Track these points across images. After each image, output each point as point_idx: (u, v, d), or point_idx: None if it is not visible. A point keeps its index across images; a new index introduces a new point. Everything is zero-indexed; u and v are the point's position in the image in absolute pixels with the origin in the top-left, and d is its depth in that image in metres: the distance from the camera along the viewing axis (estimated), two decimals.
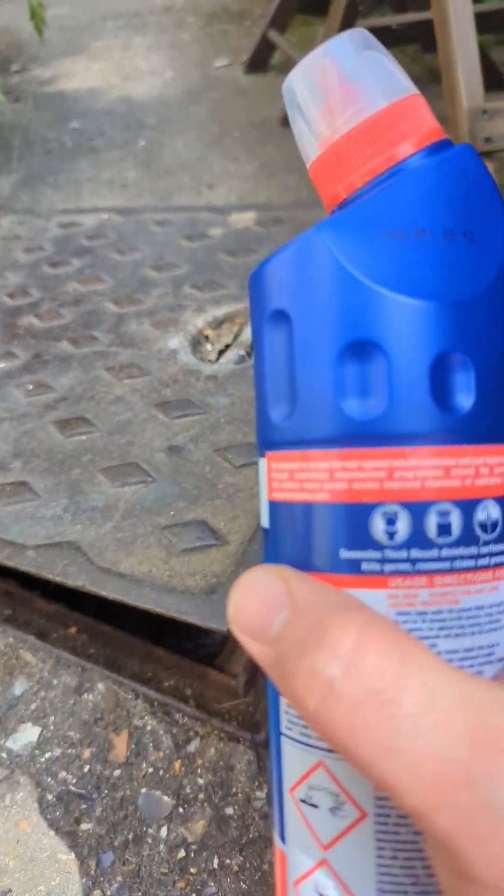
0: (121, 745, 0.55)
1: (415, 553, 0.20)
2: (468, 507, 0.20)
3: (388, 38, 1.53)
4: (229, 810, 0.50)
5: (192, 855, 0.49)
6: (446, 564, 0.20)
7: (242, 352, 0.73)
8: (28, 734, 0.56)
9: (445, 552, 0.20)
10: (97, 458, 0.62)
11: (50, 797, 0.53)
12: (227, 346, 0.76)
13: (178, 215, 1.10)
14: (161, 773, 0.53)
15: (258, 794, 0.51)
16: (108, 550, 0.52)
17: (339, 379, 0.21)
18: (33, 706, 0.58)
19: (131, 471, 0.60)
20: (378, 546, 0.20)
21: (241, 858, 0.48)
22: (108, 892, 0.48)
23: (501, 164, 1.20)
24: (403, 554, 0.20)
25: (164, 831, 0.50)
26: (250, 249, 0.92)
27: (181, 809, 0.51)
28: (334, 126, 0.22)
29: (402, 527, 0.20)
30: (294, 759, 0.21)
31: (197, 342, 0.78)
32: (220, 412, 0.64)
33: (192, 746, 0.54)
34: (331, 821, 0.20)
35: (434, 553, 0.20)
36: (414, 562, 0.20)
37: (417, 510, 0.20)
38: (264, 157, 1.51)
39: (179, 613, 0.46)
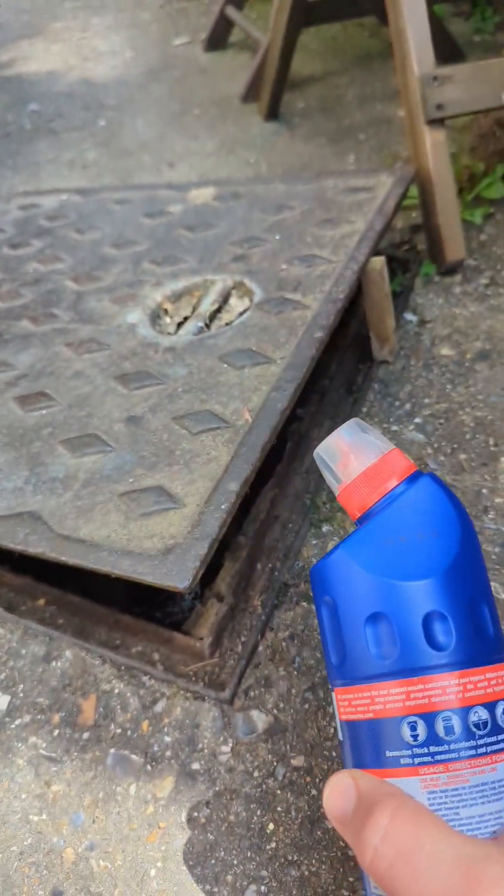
0: (89, 709, 0.56)
1: (433, 749, 0.31)
2: (463, 713, 0.31)
3: (349, 10, 1.53)
4: (196, 765, 0.52)
5: (161, 810, 0.50)
6: (455, 755, 0.30)
7: (201, 323, 0.73)
8: None
9: (453, 746, 0.30)
10: (57, 431, 0.63)
11: (21, 762, 0.54)
12: (186, 319, 0.77)
13: (138, 193, 1.10)
14: (129, 733, 0.54)
15: (223, 748, 0.52)
16: (68, 518, 0.53)
17: (367, 637, 0.33)
18: (2, 675, 0.59)
19: (91, 441, 0.60)
20: (408, 746, 0.31)
21: (208, 811, 0.49)
22: (80, 850, 0.49)
23: (454, 132, 1.21)
24: (425, 750, 0.31)
25: (133, 789, 0.51)
26: (209, 224, 0.92)
27: (149, 767, 0.52)
28: (347, 474, 0.37)
29: (421, 731, 0.31)
30: None
31: (156, 316, 0.78)
32: (178, 382, 0.64)
33: (159, 707, 0.55)
34: None
35: (445, 747, 0.30)
36: (433, 755, 0.30)
37: (429, 718, 0.31)
38: (224, 133, 1.51)
39: (136, 574, 0.47)
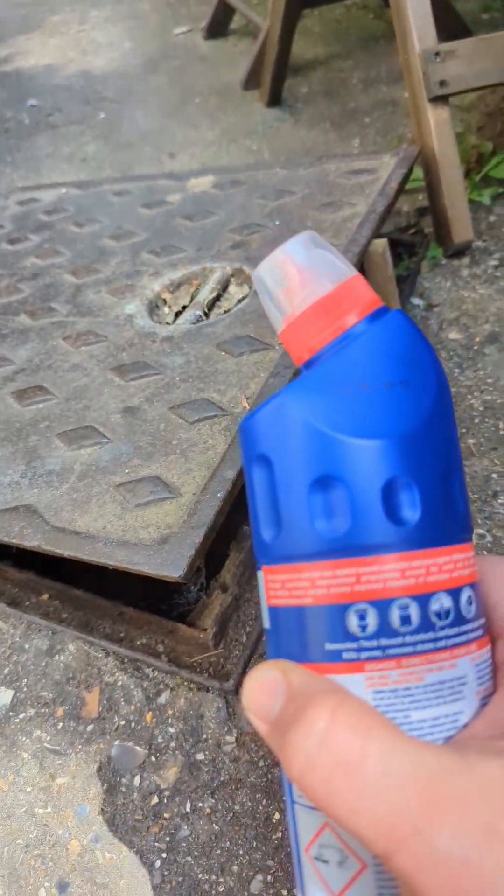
0: (93, 702, 0.55)
1: (384, 641, 0.25)
2: (423, 600, 0.26)
3: None
4: (200, 756, 0.51)
5: (166, 801, 0.50)
6: (410, 648, 0.25)
7: (199, 312, 0.72)
8: (2, 697, 0.57)
9: (409, 638, 0.25)
10: (54, 424, 0.62)
11: (26, 755, 0.54)
12: (185, 308, 0.76)
13: (137, 184, 1.09)
14: (133, 725, 0.54)
15: (228, 738, 0.52)
16: (64, 511, 0.53)
17: (311, 506, 0.27)
18: (6, 670, 0.59)
19: (87, 434, 0.59)
20: (354, 638, 0.26)
21: (213, 801, 0.49)
22: (85, 842, 0.49)
23: (457, 110, 1.18)
24: (374, 643, 0.25)
25: (137, 780, 0.51)
26: (208, 212, 0.91)
27: (153, 758, 0.52)
28: (294, 304, 0.29)
29: (372, 621, 0.26)
30: (306, 823, 0.26)
31: (154, 306, 0.77)
32: (176, 371, 0.64)
33: (163, 698, 0.55)
34: (339, 873, 0.24)
35: (399, 640, 0.25)
36: (384, 648, 0.25)
37: (382, 606, 0.26)
38: (225, 122, 1.49)
39: (132, 565, 0.46)
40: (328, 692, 0.22)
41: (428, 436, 0.27)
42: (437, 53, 0.87)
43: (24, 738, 0.54)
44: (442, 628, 0.26)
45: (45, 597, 0.65)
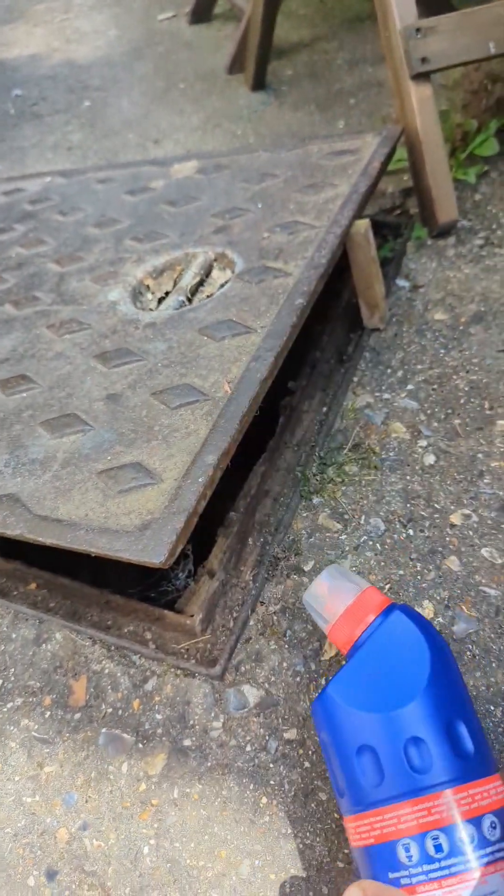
0: (80, 690, 0.55)
1: (426, 867, 0.33)
2: (450, 830, 0.34)
3: None
4: (187, 742, 0.51)
5: (153, 787, 0.49)
6: (446, 871, 0.33)
7: (182, 297, 0.71)
8: None
9: (444, 863, 0.33)
10: (37, 413, 0.62)
11: (13, 745, 0.53)
12: (168, 294, 0.75)
13: (121, 172, 1.08)
14: (120, 712, 0.53)
15: (215, 724, 0.51)
16: (47, 499, 0.52)
17: (358, 769, 0.37)
18: None
19: (70, 421, 0.59)
20: (404, 866, 0.34)
21: (201, 787, 0.49)
22: (73, 830, 0.49)
23: (445, 90, 1.16)
24: (419, 869, 0.34)
25: (125, 767, 0.51)
26: (191, 197, 0.90)
27: (141, 745, 0.51)
28: (332, 615, 0.44)
29: (414, 852, 0.34)
30: None
31: (137, 292, 0.76)
32: (158, 357, 0.63)
33: (150, 685, 0.55)
34: None
35: (437, 865, 0.33)
36: (427, 873, 0.33)
37: (420, 839, 0.34)
38: (210, 107, 1.47)
39: (113, 552, 0.45)
40: (391, 891, 0.31)
41: (431, 699, 0.37)
42: (417, 30, 0.86)
43: (11, 728, 0.54)
44: (471, 852, 0.33)
45: (33, 586, 0.65)
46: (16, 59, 1.99)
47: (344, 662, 0.44)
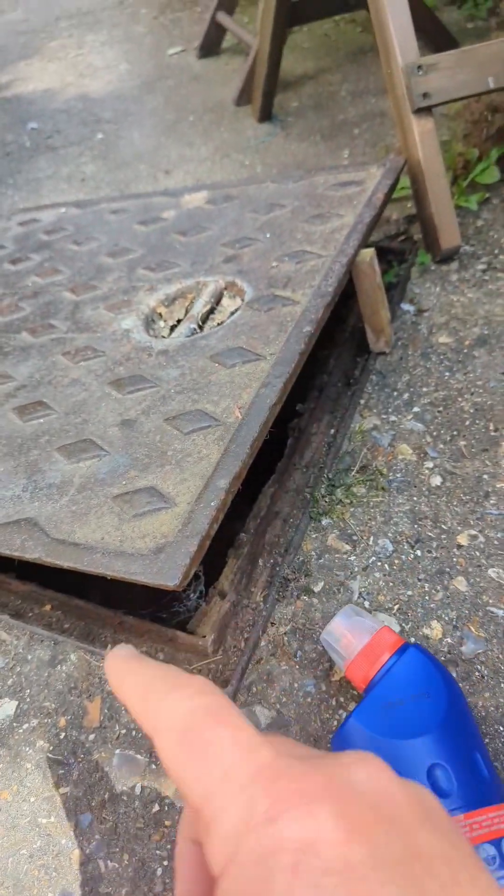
0: (94, 711, 0.56)
1: (498, 873, 0.36)
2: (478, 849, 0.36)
3: (333, 6, 1.53)
4: None
5: (167, 808, 0.50)
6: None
7: (193, 325, 0.73)
8: (6, 708, 0.58)
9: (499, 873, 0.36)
10: (54, 438, 0.64)
11: (29, 766, 0.54)
12: (179, 321, 0.77)
13: (133, 202, 1.11)
14: (133, 733, 0.54)
15: None
16: (64, 523, 0.54)
17: None
18: (10, 681, 0.60)
19: (86, 447, 0.61)
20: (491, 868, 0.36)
21: None
22: (88, 851, 0.49)
23: (447, 119, 1.19)
24: (499, 874, 0.36)
25: (138, 788, 0.51)
26: (202, 227, 0.93)
27: (154, 766, 0.52)
28: (349, 652, 0.48)
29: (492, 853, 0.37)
30: None
31: (150, 320, 0.79)
32: (171, 384, 0.65)
33: None
34: None
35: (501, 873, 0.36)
36: (499, 878, 0.36)
37: (495, 844, 0.37)
38: (219, 139, 1.51)
39: (129, 575, 0.47)
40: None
41: (449, 729, 0.39)
42: (419, 67, 0.89)
43: (27, 749, 0.55)
44: (492, 872, 0.35)
45: (48, 607, 0.66)
46: (31, 93, 2.05)
47: (357, 692, 0.47)
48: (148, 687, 0.20)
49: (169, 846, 0.48)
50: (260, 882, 0.15)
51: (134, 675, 0.21)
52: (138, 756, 0.53)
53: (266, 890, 0.15)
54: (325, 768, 0.17)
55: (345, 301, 0.91)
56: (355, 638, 0.48)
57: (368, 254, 0.76)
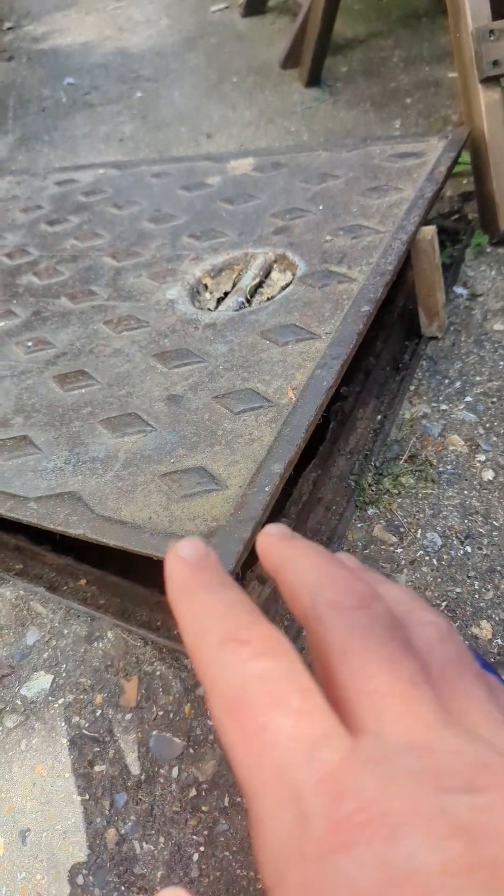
0: (131, 690, 0.55)
1: None
2: None
3: None
4: None
5: (204, 794, 0.49)
6: None
7: (241, 298, 0.71)
8: (41, 682, 0.57)
9: None
10: (97, 410, 0.62)
11: (64, 741, 0.54)
12: (226, 294, 0.74)
13: (176, 166, 1.07)
14: (171, 715, 0.53)
15: None
16: (109, 499, 0.52)
17: None
18: (45, 655, 0.59)
19: (131, 421, 0.59)
20: None
21: None
22: (123, 831, 0.49)
23: None
24: None
25: (175, 771, 0.51)
26: (249, 195, 0.89)
27: (192, 750, 0.51)
28: None
29: None
30: None
31: (196, 291, 0.76)
32: (219, 360, 0.63)
33: (202, 690, 0.54)
34: None
35: None
36: None
37: None
38: (263, 102, 1.46)
39: None
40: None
41: None
42: (491, 32, 0.83)
43: (63, 724, 0.55)
44: None
45: (83, 582, 0.65)
46: (69, 46, 1.99)
47: None
48: (198, 632, 0.16)
49: (206, 832, 0.48)
50: None
51: (185, 609, 0.17)
52: (176, 739, 0.52)
53: None
54: (421, 786, 0.12)
55: (394, 281, 0.87)
56: None
57: (429, 231, 0.72)
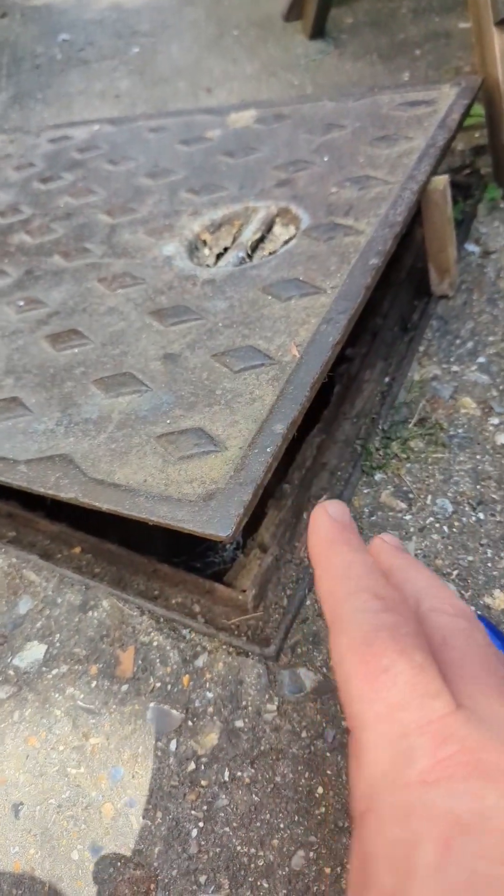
0: (127, 661, 0.53)
1: None
2: None
3: None
4: (239, 723, 0.49)
5: (203, 768, 0.47)
6: None
7: (242, 253, 0.67)
8: (34, 652, 0.55)
9: None
10: (90, 370, 0.58)
11: (58, 713, 0.52)
12: (226, 249, 0.70)
13: (174, 120, 1.02)
14: (169, 687, 0.51)
15: (268, 706, 0.49)
16: (102, 462, 0.49)
17: None
18: (38, 624, 0.57)
19: (125, 381, 0.56)
20: None
21: (253, 771, 0.46)
22: (119, 805, 0.47)
23: None
24: None
25: (173, 745, 0.49)
26: (251, 148, 0.85)
27: (190, 723, 0.49)
28: None
29: None
30: None
31: (194, 247, 0.72)
32: (218, 316, 0.59)
33: (200, 661, 0.52)
34: None
35: None
36: None
37: None
38: (266, 56, 1.39)
39: (175, 522, 0.42)
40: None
41: None
42: None
43: (56, 695, 0.53)
44: None
45: (78, 550, 0.63)
46: (63, 2, 1.91)
47: None
48: (339, 578, 0.19)
49: (205, 807, 0.46)
50: (402, 846, 0.14)
51: (330, 557, 0.20)
52: (174, 711, 0.50)
53: (408, 855, 0.13)
54: None
55: (402, 238, 0.83)
56: None
57: (441, 181, 0.68)
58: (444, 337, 0.72)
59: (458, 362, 0.69)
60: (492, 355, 0.68)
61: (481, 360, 0.68)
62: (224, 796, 0.46)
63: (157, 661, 0.53)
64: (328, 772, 0.45)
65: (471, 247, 0.82)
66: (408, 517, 0.57)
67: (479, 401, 0.65)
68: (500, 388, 0.65)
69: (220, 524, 0.41)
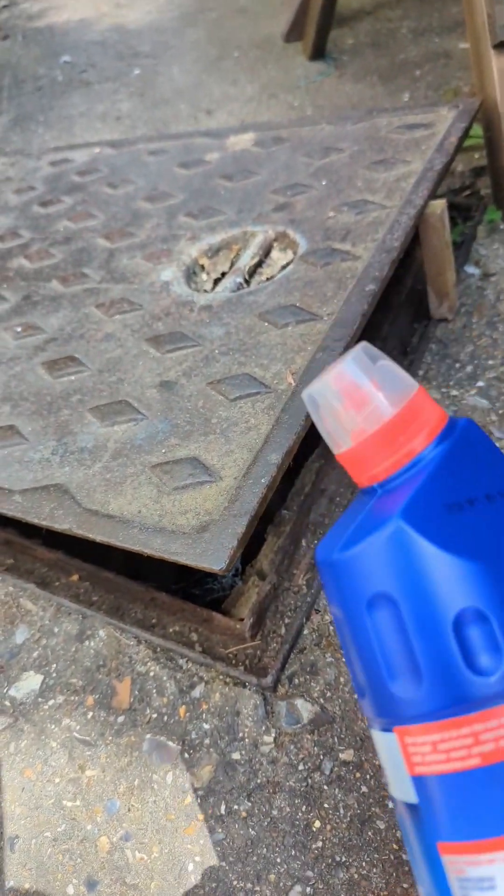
0: (124, 692, 0.53)
1: None
2: None
3: None
4: (236, 755, 0.48)
5: (199, 801, 0.47)
6: None
7: (239, 278, 0.67)
8: (31, 682, 0.55)
9: None
10: (86, 398, 0.59)
11: (54, 744, 0.51)
12: (224, 274, 0.71)
13: (173, 143, 1.03)
14: (165, 718, 0.51)
15: (265, 738, 0.48)
16: (97, 492, 0.49)
17: (460, 647, 0.23)
18: (35, 654, 0.57)
19: (121, 409, 0.56)
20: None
21: (249, 804, 0.46)
22: (115, 839, 0.47)
23: None
24: None
25: (170, 777, 0.48)
26: (249, 172, 0.85)
27: (187, 755, 0.49)
28: (367, 421, 0.27)
29: None
30: None
31: (192, 272, 0.72)
32: (215, 343, 0.59)
33: (197, 692, 0.52)
34: None
35: None
36: None
37: None
38: (266, 77, 1.40)
39: (169, 554, 0.42)
40: None
41: None
42: None
43: (52, 727, 0.52)
44: None
45: (75, 577, 0.63)
46: (65, 23, 1.94)
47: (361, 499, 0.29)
48: None
49: (202, 840, 0.45)
50: None
51: None
52: (170, 743, 0.50)
53: None
54: None
55: (401, 260, 0.83)
56: (378, 399, 0.28)
57: (439, 206, 0.68)
58: (444, 361, 0.72)
59: (457, 386, 0.69)
60: (491, 379, 0.68)
61: (481, 384, 0.68)
62: (220, 830, 0.45)
63: (154, 691, 0.52)
64: (325, 805, 0.45)
65: (470, 269, 0.83)
66: None
67: (479, 425, 0.64)
68: (500, 412, 0.65)
69: (213, 557, 0.41)
